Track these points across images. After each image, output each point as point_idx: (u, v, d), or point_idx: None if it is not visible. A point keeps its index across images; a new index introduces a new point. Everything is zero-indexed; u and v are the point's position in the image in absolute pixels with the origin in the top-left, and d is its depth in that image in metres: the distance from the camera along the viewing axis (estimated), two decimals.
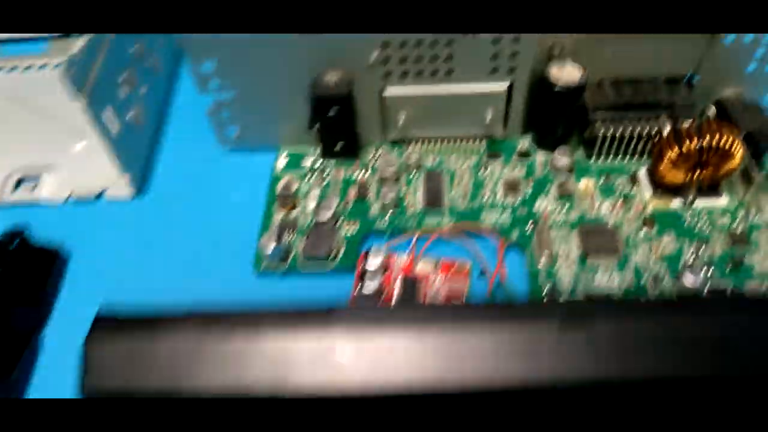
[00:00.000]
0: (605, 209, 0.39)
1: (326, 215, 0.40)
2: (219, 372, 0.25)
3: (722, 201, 0.39)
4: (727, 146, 0.36)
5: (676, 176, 0.38)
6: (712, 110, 0.41)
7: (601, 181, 0.41)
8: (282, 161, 0.44)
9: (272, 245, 0.37)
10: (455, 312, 0.25)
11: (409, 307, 0.29)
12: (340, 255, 0.39)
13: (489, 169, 0.42)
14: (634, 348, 0.22)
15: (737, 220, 0.38)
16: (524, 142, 0.43)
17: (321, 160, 0.44)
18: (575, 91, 0.38)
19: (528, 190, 0.41)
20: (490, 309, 0.25)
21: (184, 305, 0.38)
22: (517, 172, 0.42)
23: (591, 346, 0.23)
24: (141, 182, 0.45)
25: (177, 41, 0.37)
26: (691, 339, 0.23)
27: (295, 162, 0.44)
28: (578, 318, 0.23)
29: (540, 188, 0.41)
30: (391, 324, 0.25)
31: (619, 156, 0.42)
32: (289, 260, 0.39)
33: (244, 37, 0.37)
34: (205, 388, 0.25)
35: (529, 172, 0.42)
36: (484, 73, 0.39)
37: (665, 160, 0.37)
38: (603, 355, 0.23)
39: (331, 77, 0.39)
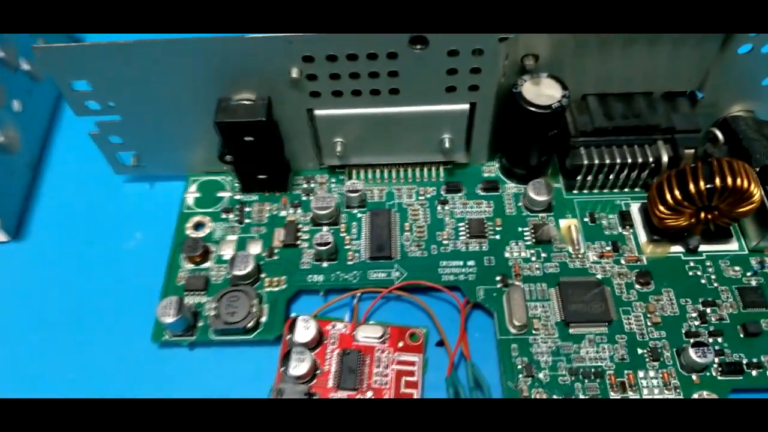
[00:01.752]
0: (591, 258, 0.32)
1: (244, 269, 0.31)
2: None
3: (732, 246, 0.32)
4: (743, 187, 0.28)
5: (678, 220, 0.30)
6: (718, 134, 0.33)
7: (587, 220, 0.33)
8: (192, 194, 0.35)
9: (172, 315, 0.29)
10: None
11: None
12: (262, 323, 0.30)
13: (448, 205, 0.34)
14: None
15: (750, 271, 0.31)
16: (491, 170, 0.36)
17: (241, 193, 0.35)
18: (554, 114, 0.30)
19: (496, 233, 0.33)
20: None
21: (70, 378, 0.30)
22: (483, 209, 0.34)
23: None
24: (16, 223, 0.35)
25: (34, 51, 0.28)
26: None
27: (208, 194, 0.35)
28: None
29: (511, 231, 0.33)
30: None
31: (607, 188, 0.34)
32: (197, 329, 0.30)
33: (118, 45, 0.28)
34: None
35: (498, 210, 0.34)
36: (440, 91, 0.31)
37: (665, 203, 0.30)
38: None
39: (244, 97, 0.31)
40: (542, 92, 0.31)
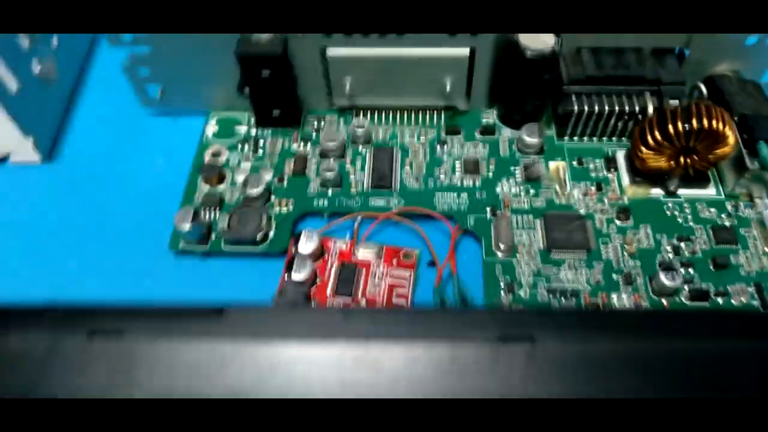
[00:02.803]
0: (576, 196, 0.34)
1: (256, 191, 0.34)
2: (77, 378, 0.20)
3: (709, 191, 0.34)
4: (718, 130, 0.31)
5: (658, 162, 0.33)
6: (702, 88, 0.36)
7: (574, 163, 0.36)
8: (212, 127, 0.38)
9: (188, 222, 0.32)
10: (373, 318, 0.20)
11: (324, 312, 0.24)
12: (270, 237, 0.33)
13: (447, 146, 0.37)
14: (577, 368, 0.17)
15: (725, 213, 0.33)
16: (489, 116, 0.38)
17: (256, 128, 0.38)
18: (548, 60, 0.33)
19: (490, 171, 0.36)
20: (415, 316, 0.20)
21: (90, 285, 0.33)
22: (479, 150, 0.37)
23: (532, 364, 0.18)
24: (50, 146, 0.39)
25: None
26: (643, 360, 0.18)
27: (226, 129, 0.38)
28: (519, 333, 0.18)
29: (503, 170, 0.36)
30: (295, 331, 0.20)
31: (596, 136, 0.37)
32: (210, 241, 0.33)
33: None
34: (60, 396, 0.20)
35: (493, 152, 0.36)
36: (442, 35, 0.33)
37: (646, 143, 0.32)
38: (544, 374, 0.18)
39: (263, 33, 0.33)
40: (537, 39, 0.33)
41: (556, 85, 0.35)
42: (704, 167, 0.33)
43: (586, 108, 0.35)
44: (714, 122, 0.31)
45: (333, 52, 0.35)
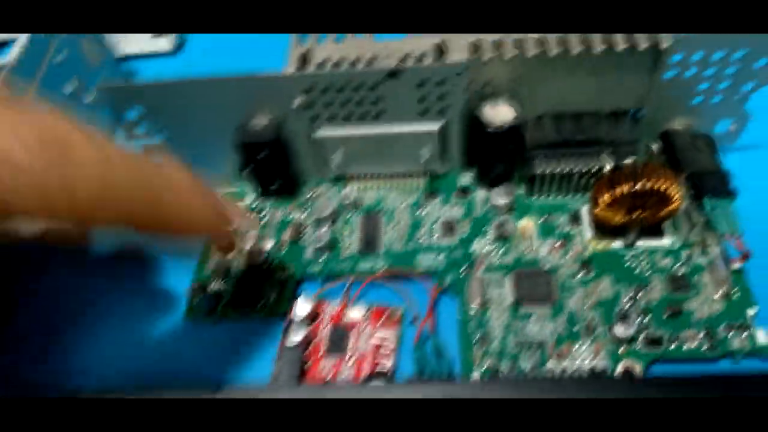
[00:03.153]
0: (544, 251, 0.38)
1: (259, 258, 0.39)
2: None
3: (665, 241, 0.38)
4: (661, 190, 0.34)
5: (614, 218, 0.36)
6: (656, 146, 0.39)
7: (542, 219, 0.40)
8: None
9: (200, 293, 0.37)
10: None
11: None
12: (270, 302, 0.38)
13: (427, 208, 0.41)
14: None
15: (680, 261, 0.37)
16: (466, 178, 0.42)
17: (259, 199, 0.43)
18: (509, 132, 0.37)
19: (465, 230, 0.40)
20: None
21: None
22: (456, 211, 0.41)
23: None
24: None
25: (97, 88, 0.37)
26: None
27: (233, 202, 0.43)
28: None
29: (478, 228, 0.40)
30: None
31: (561, 193, 0.40)
32: (219, 308, 0.38)
33: (167, 83, 0.36)
34: None
35: (468, 212, 0.40)
36: (415, 115, 0.38)
37: (599, 204, 0.36)
38: None
39: (260, 121, 0.38)
40: (499, 114, 0.37)
41: (520, 151, 0.39)
42: (657, 222, 0.37)
43: (549, 170, 0.39)
44: (658, 183, 0.34)
45: (320, 134, 0.39)
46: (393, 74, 0.35)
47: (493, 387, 0.27)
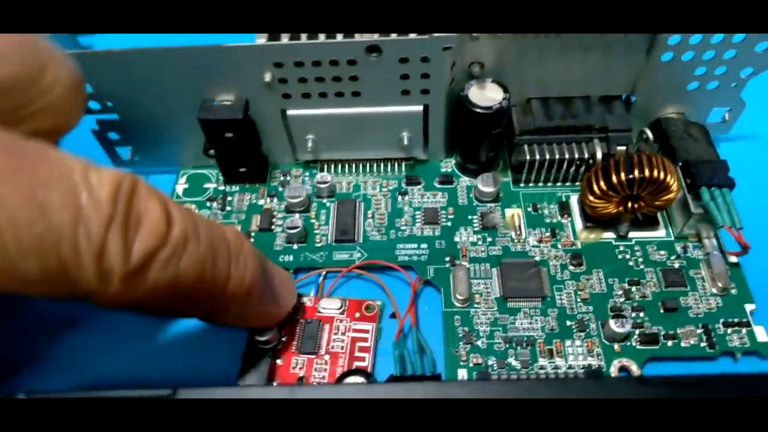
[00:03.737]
0: (532, 242, 0.36)
1: None
2: None
3: (659, 233, 0.36)
4: (660, 178, 0.32)
5: (607, 209, 0.34)
6: (648, 134, 0.37)
7: (529, 209, 0.37)
8: (182, 185, 0.40)
9: None
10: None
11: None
12: None
13: (408, 196, 0.38)
14: None
15: (674, 254, 0.35)
16: (448, 165, 0.40)
17: (224, 184, 0.39)
18: (496, 114, 0.35)
19: (448, 220, 0.37)
20: None
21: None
22: (438, 199, 0.38)
23: None
24: None
25: None
26: None
27: (196, 186, 0.40)
28: None
29: (461, 218, 0.37)
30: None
31: (550, 182, 0.38)
32: None
33: (118, 54, 0.32)
34: None
35: (451, 201, 0.38)
36: (396, 94, 0.35)
37: (593, 192, 0.34)
38: None
39: (224, 98, 0.35)
40: (486, 95, 0.35)
41: (508, 136, 0.36)
42: (651, 212, 0.35)
43: (537, 157, 0.36)
44: (656, 172, 0.32)
45: (292, 113, 0.36)
46: (374, 48, 0.32)
47: (486, 387, 0.25)
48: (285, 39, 0.35)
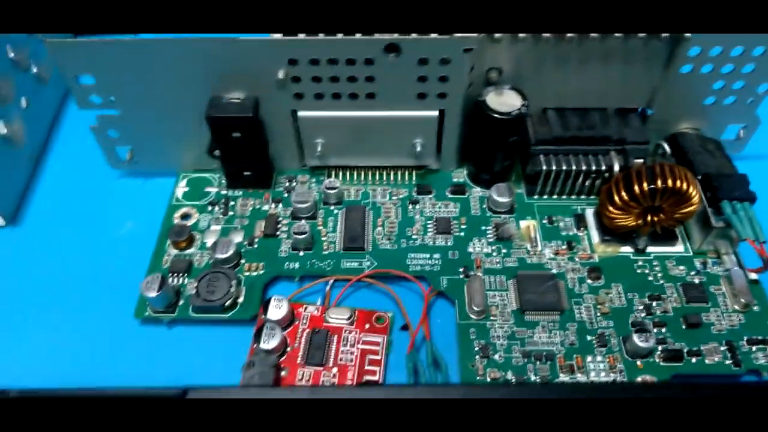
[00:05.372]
0: (547, 255, 0.35)
1: (225, 255, 0.34)
2: None
3: (678, 248, 0.35)
4: (683, 189, 0.31)
5: (626, 221, 0.33)
6: (666, 147, 0.36)
7: (545, 222, 0.36)
8: (181, 189, 0.38)
9: (155, 291, 0.31)
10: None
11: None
12: (239, 303, 0.33)
13: (419, 205, 0.37)
14: None
15: (694, 270, 0.34)
16: (460, 175, 0.38)
17: (227, 189, 0.38)
18: (515, 121, 0.34)
19: (461, 231, 0.36)
20: None
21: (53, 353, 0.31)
22: (450, 209, 0.37)
23: None
24: (15, 209, 0.38)
25: (46, 45, 0.31)
26: None
27: (197, 189, 0.38)
28: None
29: (475, 229, 0.36)
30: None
31: (565, 194, 0.37)
32: (178, 307, 0.32)
33: (124, 43, 0.31)
34: None
35: (464, 211, 0.37)
36: (412, 98, 0.34)
37: (614, 203, 0.33)
38: None
39: (234, 96, 0.34)
40: (504, 101, 0.34)
41: (523, 145, 0.36)
42: (671, 225, 0.34)
43: (554, 167, 0.35)
44: (678, 182, 0.31)
45: (304, 114, 0.35)
46: (393, 47, 0.32)
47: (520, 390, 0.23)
48: (301, 35, 0.34)
